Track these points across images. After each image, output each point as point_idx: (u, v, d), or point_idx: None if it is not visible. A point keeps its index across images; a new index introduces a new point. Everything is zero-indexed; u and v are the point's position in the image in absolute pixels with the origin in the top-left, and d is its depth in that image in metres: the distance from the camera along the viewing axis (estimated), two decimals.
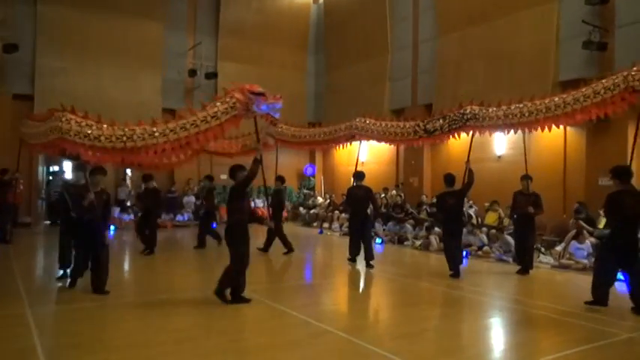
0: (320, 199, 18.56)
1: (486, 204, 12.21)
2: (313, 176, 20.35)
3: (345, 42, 18.83)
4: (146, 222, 10.39)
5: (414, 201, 14.75)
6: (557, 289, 7.92)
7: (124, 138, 6.75)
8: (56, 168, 17.52)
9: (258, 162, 6.38)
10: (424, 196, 14.78)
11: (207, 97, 17.99)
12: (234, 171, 6.41)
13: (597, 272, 6.23)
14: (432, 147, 15.78)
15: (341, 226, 15.23)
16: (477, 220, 12.14)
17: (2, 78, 14.86)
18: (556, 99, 7.85)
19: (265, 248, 10.54)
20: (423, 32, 15.93)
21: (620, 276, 6.47)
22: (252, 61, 18.73)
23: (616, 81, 7.10)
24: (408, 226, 13.00)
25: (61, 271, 7.41)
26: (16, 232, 12.17)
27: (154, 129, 6.88)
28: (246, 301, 6.17)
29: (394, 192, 15.47)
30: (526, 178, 8.87)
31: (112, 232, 13.68)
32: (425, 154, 15.73)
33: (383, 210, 14.17)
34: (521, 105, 8.24)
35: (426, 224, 12.44)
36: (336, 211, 16.20)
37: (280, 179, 10.96)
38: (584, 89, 7.53)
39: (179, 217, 16.68)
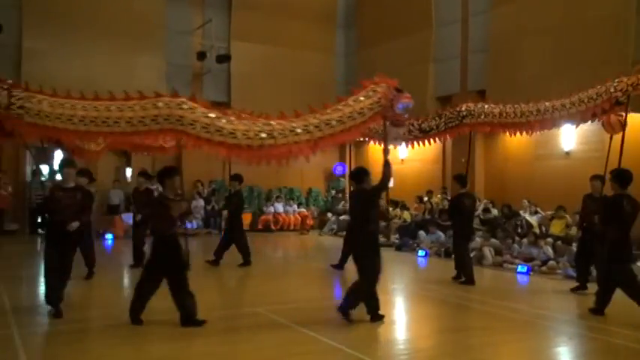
0: None
1: (548, 212, 12.08)
2: (343, 176, 20.40)
3: (381, 15, 18.84)
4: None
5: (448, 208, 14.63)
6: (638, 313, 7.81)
7: (262, 135, 6.53)
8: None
9: (389, 165, 6.77)
10: (477, 200, 14.68)
11: (218, 83, 18.38)
12: (361, 175, 6.84)
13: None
14: (486, 143, 15.68)
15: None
16: (541, 230, 12.02)
17: None
18: (547, 103, 8.84)
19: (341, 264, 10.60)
20: (473, 4, 15.86)
21: None
22: (271, 40, 18.88)
23: (600, 91, 8.17)
24: (478, 239, 12.93)
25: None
26: (1, 241, 12.58)
27: (294, 124, 6.77)
28: (381, 317, 6.63)
29: (440, 196, 15.42)
30: (597, 178, 8.71)
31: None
32: (477, 150, 15.63)
33: (427, 217, 14.15)
34: (516, 105, 9.10)
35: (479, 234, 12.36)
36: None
37: (237, 178, 11.02)
38: (571, 97, 8.56)
39: (187, 225, 16.89)
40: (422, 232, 13.76)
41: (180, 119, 6.41)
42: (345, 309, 6.55)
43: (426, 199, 15.36)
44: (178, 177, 6.49)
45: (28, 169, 16.67)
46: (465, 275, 9.21)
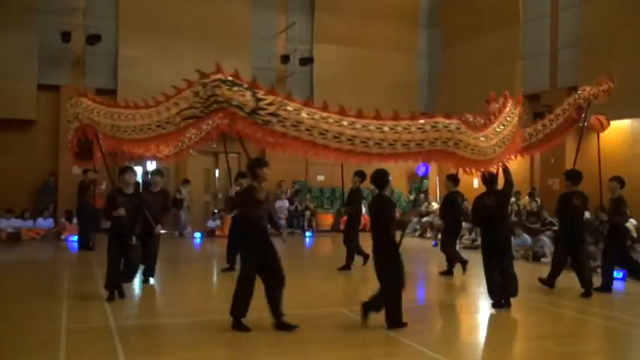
0: (435, 205, 18.35)
1: None
2: (426, 177, 20.14)
3: (466, 12, 18.49)
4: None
5: (553, 208, 14.10)
6: None
7: (385, 144, 5.97)
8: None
9: (509, 171, 7.39)
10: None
11: (301, 86, 18.66)
12: (494, 178, 7.30)
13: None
14: (576, 142, 15.08)
15: (460, 237, 14.95)
16: (639, 234, 11.41)
17: (85, 71, 16.39)
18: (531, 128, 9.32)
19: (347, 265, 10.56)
20: None
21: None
22: (353, 41, 18.97)
23: (569, 101, 9.27)
24: (546, 240, 12.48)
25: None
26: (99, 237, 13.34)
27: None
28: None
29: (527, 197, 14.94)
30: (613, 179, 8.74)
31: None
32: (568, 149, 15.02)
33: (514, 219, 13.76)
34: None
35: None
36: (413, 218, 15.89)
37: (360, 175, 10.72)
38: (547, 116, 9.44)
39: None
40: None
41: (296, 122, 5.87)
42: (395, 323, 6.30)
43: (513, 200, 14.89)
44: (267, 168, 6.35)
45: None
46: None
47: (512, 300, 7.48)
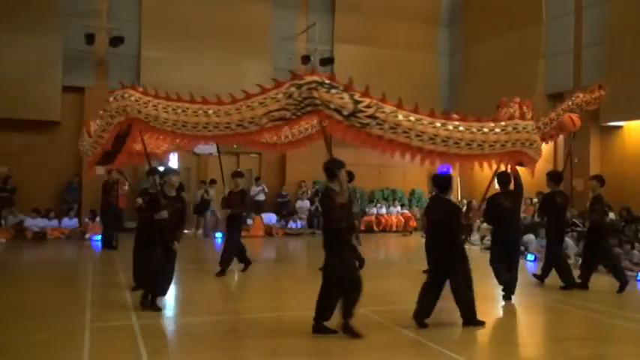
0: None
1: None
2: None
3: (487, 11, 18.33)
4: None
5: (577, 209, 13.92)
6: None
7: (474, 145, 6.08)
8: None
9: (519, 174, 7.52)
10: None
11: None
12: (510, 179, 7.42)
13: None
14: (602, 141, 14.88)
15: (482, 238, 14.85)
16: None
17: (109, 73, 16.60)
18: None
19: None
20: None
21: None
22: (373, 41, 18.93)
23: (563, 107, 9.57)
24: (569, 241, 12.32)
25: None
26: (122, 237, 13.49)
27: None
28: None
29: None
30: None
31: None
32: (592, 149, 14.85)
33: (536, 219, 13.59)
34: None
35: None
36: (477, 220, 15.81)
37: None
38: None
39: (292, 224, 17.38)
40: (531, 236, 13.21)
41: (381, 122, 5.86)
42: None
43: (535, 200, 14.72)
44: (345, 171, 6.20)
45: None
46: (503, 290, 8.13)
47: (535, 303, 7.42)
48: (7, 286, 8.87)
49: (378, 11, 19.06)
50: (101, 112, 7.88)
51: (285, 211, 17.86)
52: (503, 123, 6.27)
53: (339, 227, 5.94)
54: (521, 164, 7.10)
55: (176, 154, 17.47)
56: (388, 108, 5.88)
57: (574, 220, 13.21)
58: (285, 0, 18.40)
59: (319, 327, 6.01)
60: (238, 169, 10.92)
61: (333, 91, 5.86)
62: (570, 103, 9.71)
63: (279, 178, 18.45)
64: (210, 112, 6.58)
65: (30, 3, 15.47)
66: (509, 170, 7.76)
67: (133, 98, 7.19)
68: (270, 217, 17.20)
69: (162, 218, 6.95)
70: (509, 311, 7.70)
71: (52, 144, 16.13)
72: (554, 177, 9.40)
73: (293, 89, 5.98)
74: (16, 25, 15.36)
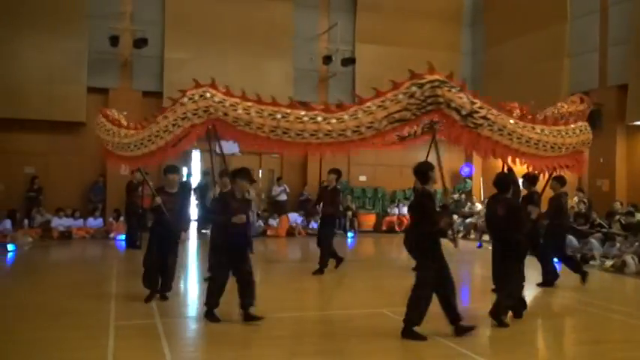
0: (479, 206, 18.07)
1: None
2: (470, 177, 19.87)
3: (511, 9, 18.14)
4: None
5: (602, 209, 13.72)
6: None
7: (555, 147, 6.62)
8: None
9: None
10: (617, 202, 13.70)
11: (343, 86, 18.64)
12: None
13: None
14: (628, 140, 14.66)
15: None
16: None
17: (132, 74, 16.78)
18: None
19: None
20: None
21: None
22: (395, 41, 18.84)
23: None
24: (594, 242, 12.14)
25: None
26: (145, 237, 13.60)
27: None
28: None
29: (576, 198, 14.53)
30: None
31: None
32: (618, 149, 14.61)
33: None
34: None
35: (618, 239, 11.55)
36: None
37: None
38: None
39: (314, 224, 17.36)
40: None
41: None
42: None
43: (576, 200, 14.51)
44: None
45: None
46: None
47: (560, 305, 7.31)
48: (34, 284, 9.02)
49: (399, 11, 18.97)
50: (173, 108, 7.42)
51: (307, 211, 17.85)
52: (572, 126, 6.72)
53: (437, 229, 5.91)
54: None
55: (198, 153, 17.62)
56: (494, 110, 6.13)
57: (600, 221, 13.03)
58: (306, 0, 18.42)
59: (411, 332, 5.86)
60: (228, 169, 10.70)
61: (454, 90, 6.00)
62: (556, 111, 9.70)
63: (301, 178, 18.47)
64: (320, 118, 6.47)
65: (56, 7, 15.69)
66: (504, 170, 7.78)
67: (216, 99, 6.97)
68: (295, 217, 17.21)
69: (241, 222, 6.44)
70: (533, 313, 7.58)
71: (77, 144, 16.34)
72: (529, 179, 8.94)
73: (415, 88, 6.09)
74: (43, 29, 15.61)
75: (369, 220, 18.57)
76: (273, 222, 16.82)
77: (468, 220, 17.27)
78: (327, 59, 18.23)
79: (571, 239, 12.52)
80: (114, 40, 15.72)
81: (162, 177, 8.57)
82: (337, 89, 18.69)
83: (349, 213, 17.73)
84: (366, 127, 6.24)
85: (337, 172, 10.42)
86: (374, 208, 18.79)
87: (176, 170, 7.70)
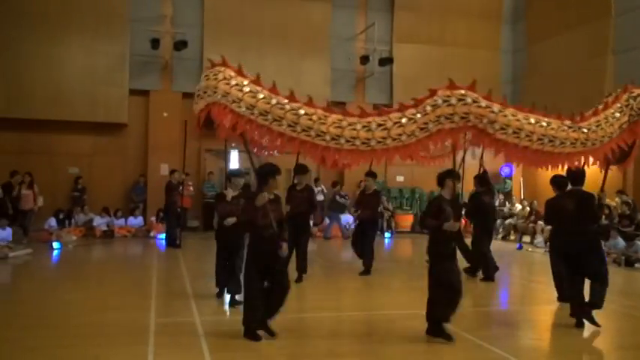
0: (518, 207, 17.78)
1: None
2: (510, 178, 19.54)
3: (552, 6, 17.79)
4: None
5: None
6: None
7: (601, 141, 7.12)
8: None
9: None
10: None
11: (381, 86, 18.58)
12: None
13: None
14: None
15: (546, 241, 14.40)
16: None
17: (173, 76, 17.07)
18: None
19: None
20: None
21: None
22: (433, 40, 18.71)
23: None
24: (621, 240, 11.87)
25: None
26: (185, 236, 13.85)
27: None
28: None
29: (618, 199, 14.16)
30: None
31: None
32: None
33: (604, 221, 13.09)
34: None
35: None
36: (540, 222, 15.38)
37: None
38: None
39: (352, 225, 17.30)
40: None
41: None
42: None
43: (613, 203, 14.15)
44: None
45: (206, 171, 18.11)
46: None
47: (605, 307, 7.11)
48: (76, 281, 9.28)
49: (437, 9, 18.80)
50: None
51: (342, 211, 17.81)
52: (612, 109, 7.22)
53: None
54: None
55: (237, 154, 17.79)
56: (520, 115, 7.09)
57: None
58: (344, 0, 18.43)
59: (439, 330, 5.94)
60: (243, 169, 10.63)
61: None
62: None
63: (338, 178, 18.46)
64: (560, 132, 7.00)
65: (100, 12, 16.09)
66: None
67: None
68: (346, 219, 17.04)
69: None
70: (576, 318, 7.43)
71: (119, 145, 16.73)
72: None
73: (631, 101, 7.10)
74: (87, 33, 16.03)
75: (407, 220, 18.46)
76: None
77: (507, 222, 16.99)
78: (365, 59, 18.20)
79: (617, 241, 12.23)
80: (154, 43, 16.03)
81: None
82: (374, 89, 18.65)
83: (387, 214, 17.66)
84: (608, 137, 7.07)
85: (373, 174, 10.43)
86: (411, 208, 18.66)
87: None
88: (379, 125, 6.47)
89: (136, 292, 8.27)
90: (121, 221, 15.77)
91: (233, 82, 6.82)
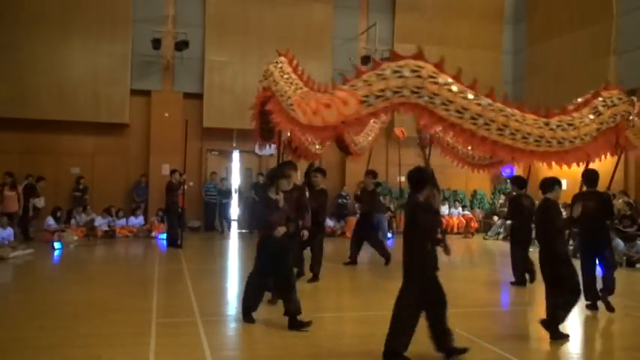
0: None
1: None
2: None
3: (554, 7, 17.81)
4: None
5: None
6: None
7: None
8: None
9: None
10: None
11: None
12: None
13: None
14: None
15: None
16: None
17: (174, 76, 17.09)
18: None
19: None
20: None
21: None
22: (434, 40, 18.66)
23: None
24: (620, 242, 11.87)
25: None
26: (185, 236, 13.86)
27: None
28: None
29: (620, 200, 14.14)
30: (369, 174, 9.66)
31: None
32: None
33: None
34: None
35: None
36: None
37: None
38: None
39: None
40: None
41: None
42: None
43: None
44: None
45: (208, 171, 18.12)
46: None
47: (601, 307, 7.11)
48: (78, 282, 9.27)
49: (438, 10, 18.82)
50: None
51: (347, 211, 17.83)
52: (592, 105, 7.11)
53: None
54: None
55: (238, 154, 17.83)
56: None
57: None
58: (345, 1, 18.44)
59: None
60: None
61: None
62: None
63: (340, 178, 18.47)
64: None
65: (102, 12, 16.14)
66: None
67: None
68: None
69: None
70: (583, 317, 7.43)
71: (121, 145, 16.77)
72: (517, 182, 9.88)
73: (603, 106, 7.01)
74: (90, 34, 16.09)
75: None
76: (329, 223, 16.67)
77: (509, 222, 16.96)
78: (366, 59, 18.18)
79: (618, 242, 12.23)
80: (156, 43, 16.05)
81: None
82: None
83: (388, 214, 17.64)
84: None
85: (373, 173, 10.64)
86: None
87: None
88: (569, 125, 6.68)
89: (138, 292, 8.28)
90: (123, 221, 15.78)
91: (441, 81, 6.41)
